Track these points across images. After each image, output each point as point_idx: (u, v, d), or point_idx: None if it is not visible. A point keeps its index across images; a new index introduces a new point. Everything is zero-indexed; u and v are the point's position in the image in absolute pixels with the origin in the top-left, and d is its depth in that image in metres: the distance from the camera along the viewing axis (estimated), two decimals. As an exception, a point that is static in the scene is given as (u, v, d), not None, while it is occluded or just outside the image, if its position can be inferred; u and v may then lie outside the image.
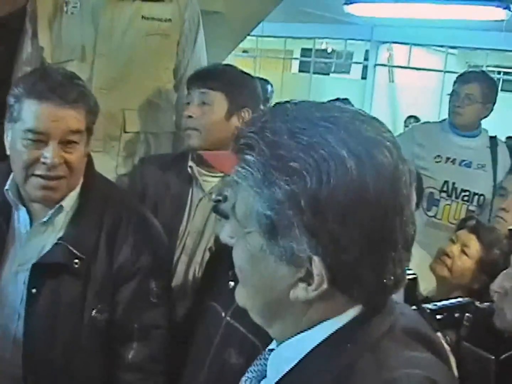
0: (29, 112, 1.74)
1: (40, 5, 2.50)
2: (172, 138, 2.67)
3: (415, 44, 10.15)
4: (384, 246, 0.92)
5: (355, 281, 0.92)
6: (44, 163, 1.73)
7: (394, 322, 0.98)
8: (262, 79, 5.27)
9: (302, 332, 0.98)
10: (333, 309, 0.96)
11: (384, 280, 0.93)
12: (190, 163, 2.33)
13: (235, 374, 1.53)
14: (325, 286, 0.91)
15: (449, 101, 3.56)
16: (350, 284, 0.93)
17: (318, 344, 0.95)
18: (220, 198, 1.78)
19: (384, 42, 10.53)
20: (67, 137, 1.75)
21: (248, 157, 0.93)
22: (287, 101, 0.99)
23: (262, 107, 2.44)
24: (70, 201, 1.85)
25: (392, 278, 0.94)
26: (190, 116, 2.27)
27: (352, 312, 0.96)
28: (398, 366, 0.92)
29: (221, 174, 2.25)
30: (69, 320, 1.83)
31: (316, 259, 0.90)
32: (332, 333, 0.95)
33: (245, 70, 2.45)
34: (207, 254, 2.21)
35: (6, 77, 2.51)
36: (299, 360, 0.96)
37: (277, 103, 1.00)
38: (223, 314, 1.72)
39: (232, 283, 1.70)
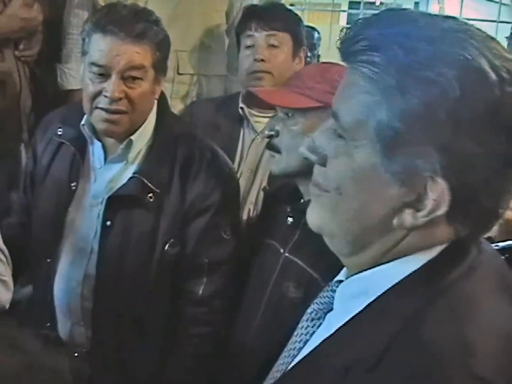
0: (94, 46, 1.76)
1: None
2: (224, 81, 2.65)
3: (467, -5, 9.89)
4: (510, 172, 0.84)
5: (472, 209, 0.84)
6: (105, 96, 1.75)
7: (479, 261, 0.89)
8: (309, 26, 5.19)
9: (379, 265, 0.90)
10: (427, 241, 0.87)
11: (500, 210, 0.86)
12: (241, 104, 2.32)
13: (294, 308, 1.56)
14: (439, 212, 0.83)
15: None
16: (465, 212, 0.85)
17: (396, 283, 0.87)
18: (273, 133, 1.76)
19: (435, -7, 10.31)
20: (129, 72, 1.75)
21: (376, 59, 0.83)
22: (403, 9, 0.92)
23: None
24: (141, 136, 1.85)
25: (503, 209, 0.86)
26: (261, 60, 2.24)
27: (438, 248, 0.87)
28: (473, 318, 0.82)
29: (272, 114, 2.23)
30: (141, 253, 1.85)
31: (439, 180, 0.82)
32: (415, 271, 0.87)
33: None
34: (261, 194, 2.22)
35: (57, 21, 2.54)
36: (374, 300, 0.88)
37: (388, 9, 0.94)
38: (281, 250, 1.72)
39: (290, 219, 1.71)
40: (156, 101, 1.88)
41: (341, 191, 0.88)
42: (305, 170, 1.69)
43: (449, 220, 0.85)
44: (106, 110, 1.77)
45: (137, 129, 1.84)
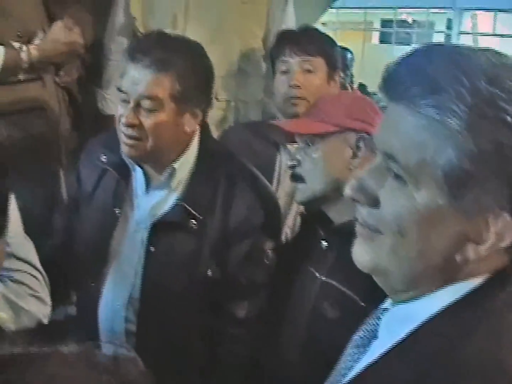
0: (123, 72, 1.81)
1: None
2: (261, 105, 2.69)
3: (499, 10, 9.87)
4: None
5: None
6: (122, 121, 1.80)
7: None
8: (341, 46, 5.21)
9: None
10: (480, 269, 0.88)
11: None
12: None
13: (333, 329, 1.58)
14: (503, 244, 0.84)
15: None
16: None
17: (441, 308, 0.88)
18: (294, 163, 1.79)
19: (467, 10, 10.28)
20: (143, 101, 1.78)
21: (438, 101, 0.83)
22: (450, 44, 0.95)
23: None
24: (184, 164, 1.89)
25: None
26: (296, 86, 2.28)
27: (487, 274, 0.88)
28: None
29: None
30: (184, 277, 1.88)
31: (504, 213, 0.83)
32: (462, 296, 0.87)
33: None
34: (298, 219, 2.24)
35: (97, 45, 2.60)
36: (420, 325, 0.88)
37: (435, 45, 0.93)
38: (317, 274, 1.75)
39: (325, 243, 1.75)
40: (198, 129, 1.92)
41: (402, 233, 0.88)
42: (330, 196, 1.75)
43: (507, 249, 0.86)
44: (124, 134, 1.81)
45: (179, 157, 1.88)
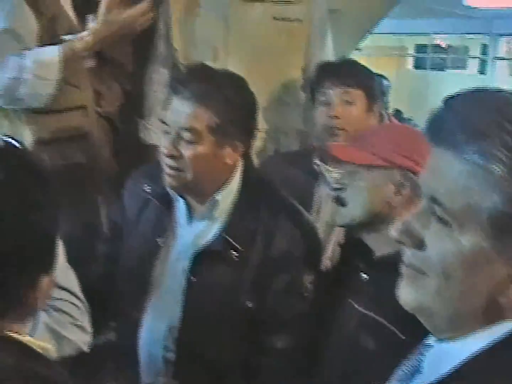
0: (165, 103, 1.90)
1: (173, 7, 2.60)
2: (300, 135, 2.72)
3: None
4: None
5: None
6: (163, 152, 1.85)
7: None
8: (377, 74, 5.24)
9: None
10: None
11: None
12: (316, 159, 2.37)
13: (373, 361, 1.59)
14: None
15: None
16: None
17: (485, 346, 0.89)
18: (339, 186, 1.81)
19: (503, 35, 10.23)
20: (182, 133, 1.82)
21: (484, 147, 0.85)
22: (487, 88, 0.96)
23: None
24: (226, 195, 1.92)
25: None
26: (336, 117, 2.31)
27: None
28: None
29: (349, 169, 2.29)
30: (224, 307, 1.89)
31: None
32: (504, 337, 0.88)
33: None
34: (337, 249, 2.25)
35: (138, 75, 2.65)
36: (462, 363, 0.89)
37: (475, 91, 0.94)
38: (356, 306, 1.75)
39: (364, 275, 1.76)
40: (241, 160, 1.95)
41: (447, 275, 0.89)
42: (370, 226, 1.76)
43: None
44: (166, 165, 1.86)
45: (221, 188, 1.91)
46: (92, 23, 2.20)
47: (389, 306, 1.59)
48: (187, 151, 1.82)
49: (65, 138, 2.25)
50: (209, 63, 2.44)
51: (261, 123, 2.54)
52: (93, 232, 2.32)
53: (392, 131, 1.88)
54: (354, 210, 1.76)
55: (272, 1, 2.56)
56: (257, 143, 2.56)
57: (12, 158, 1.27)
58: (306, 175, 2.40)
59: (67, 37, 2.17)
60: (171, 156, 1.83)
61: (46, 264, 1.29)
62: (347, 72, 2.36)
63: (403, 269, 0.95)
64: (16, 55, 2.08)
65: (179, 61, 2.59)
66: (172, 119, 1.84)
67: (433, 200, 0.90)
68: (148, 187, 2.00)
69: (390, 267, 0.99)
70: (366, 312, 1.72)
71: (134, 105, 2.65)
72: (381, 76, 5.58)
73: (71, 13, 2.31)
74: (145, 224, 2.00)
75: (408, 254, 0.94)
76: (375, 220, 1.75)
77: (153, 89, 2.64)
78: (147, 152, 2.65)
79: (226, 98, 1.84)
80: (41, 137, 2.21)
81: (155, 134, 2.62)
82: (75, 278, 1.75)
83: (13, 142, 1.86)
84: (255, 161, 2.56)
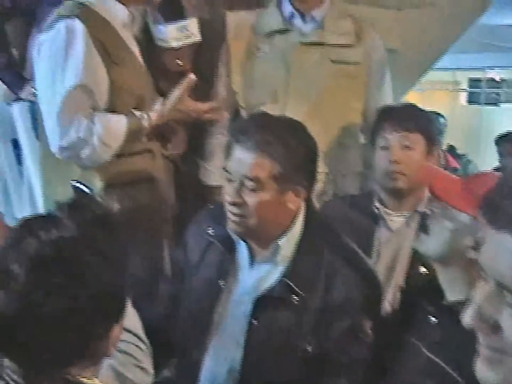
0: (228, 151, 1.92)
1: (233, 51, 2.67)
2: (359, 178, 2.73)
3: None
4: None
5: None
6: (227, 200, 1.90)
7: None
8: (434, 111, 5.24)
9: None
10: None
11: None
12: (376, 203, 2.40)
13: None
14: None
15: None
16: None
17: None
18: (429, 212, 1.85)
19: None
20: (245, 181, 1.86)
21: None
22: None
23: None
24: (288, 240, 1.94)
25: None
26: (396, 161, 2.33)
27: None
28: None
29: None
30: (284, 350, 1.91)
31: None
32: None
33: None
34: (398, 293, 2.25)
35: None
36: None
37: None
38: (423, 349, 1.74)
39: (433, 319, 1.75)
40: (303, 204, 1.98)
41: None
42: (447, 259, 1.75)
43: None
44: (229, 211, 1.90)
45: (284, 233, 1.94)
46: (160, 106, 2.29)
47: (456, 354, 1.61)
48: (250, 199, 1.86)
49: (132, 182, 2.31)
50: (269, 105, 2.53)
51: (321, 166, 2.56)
52: (156, 273, 2.37)
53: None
54: (435, 243, 1.75)
55: (331, 45, 2.60)
56: (317, 185, 2.59)
57: (84, 212, 1.32)
58: (366, 218, 2.41)
59: (136, 113, 2.26)
60: (235, 204, 1.87)
61: (118, 314, 1.33)
62: (406, 117, 2.37)
63: (481, 350, 0.94)
64: (86, 116, 2.16)
65: (239, 104, 2.64)
66: (235, 168, 1.88)
67: (500, 285, 0.89)
68: (211, 230, 2.04)
69: (462, 313, 0.98)
70: (432, 356, 1.72)
71: (195, 147, 2.70)
72: (438, 114, 5.57)
73: (140, 59, 2.41)
74: (208, 266, 2.04)
75: (486, 337, 0.92)
76: (452, 263, 1.74)
77: (214, 132, 2.69)
78: (208, 193, 2.70)
79: (288, 146, 1.87)
80: (109, 181, 2.27)
81: (215, 176, 2.68)
82: (139, 320, 1.79)
83: (83, 188, 1.93)
84: (315, 204, 2.58)
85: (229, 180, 1.90)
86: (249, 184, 1.85)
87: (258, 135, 1.86)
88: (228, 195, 1.89)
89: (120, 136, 2.21)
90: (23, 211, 3.82)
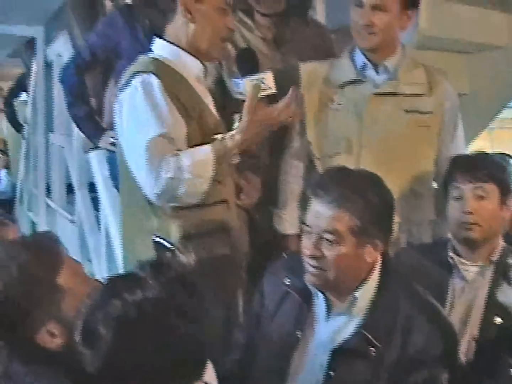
0: (307, 205, 1.96)
1: (307, 101, 2.70)
2: (433, 226, 2.72)
3: None
4: None
5: None
6: (304, 252, 1.94)
7: None
8: (504, 154, 5.17)
9: None
10: None
11: None
12: (451, 253, 2.39)
13: None
14: None
15: None
16: None
17: None
18: None
19: None
20: (324, 235, 1.90)
21: None
22: None
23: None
24: (365, 292, 1.96)
25: None
26: (469, 212, 2.32)
27: None
28: None
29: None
30: None
31: None
32: None
33: (480, 142, 2.47)
34: (472, 344, 2.23)
35: (273, 168, 2.76)
36: None
37: None
38: None
39: None
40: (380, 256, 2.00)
41: None
42: None
43: None
44: (307, 264, 1.94)
45: (360, 286, 1.96)
46: (239, 123, 2.31)
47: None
48: (329, 252, 1.90)
49: (208, 232, 2.35)
50: (343, 156, 2.56)
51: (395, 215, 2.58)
52: (230, 322, 2.40)
53: None
54: None
55: (404, 95, 2.61)
56: (391, 235, 2.59)
57: (167, 271, 1.36)
58: (439, 267, 2.39)
59: (218, 137, 2.30)
60: (314, 257, 1.91)
61: (200, 371, 1.36)
62: (479, 167, 2.36)
63: None
64: (172, 155, 2.20)
65: (313, 154, 2.68)
66: (313, 222, 1.92)
67: None
68: (288, 280, 2.07)
69: None
70: None
71: (269, 196, 2.74)
72: (509, 155, 5.47)
73: (214, 110, 2.45)
74: (284, 316, 2.06)
75: None
76: None
77: (288, 181, 2.73)
78: (281, 241, 2.73)
79: (366, 200, 1.90)
80: (186, 231, 2.31)
81: (289, 224, 2.71)
82: (213, 371, 1.81)
83: (165, 243, 1.99)
84: (390, 253, 2.59)
85: (308, 233, 1.93)
86: (328, 237, 1.89)
87: (336, 190, 1.90)
88: (306, 248, 1.92)
89: (209, 164, 2.24)
90: (100, 258, 3.94)
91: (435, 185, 2.72)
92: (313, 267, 1.92)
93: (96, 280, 1.84)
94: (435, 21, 3.29)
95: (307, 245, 1.93)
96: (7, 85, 8.68)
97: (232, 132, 2.30)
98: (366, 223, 1.90)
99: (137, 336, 1.27)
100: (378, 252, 1.96)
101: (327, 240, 1.89)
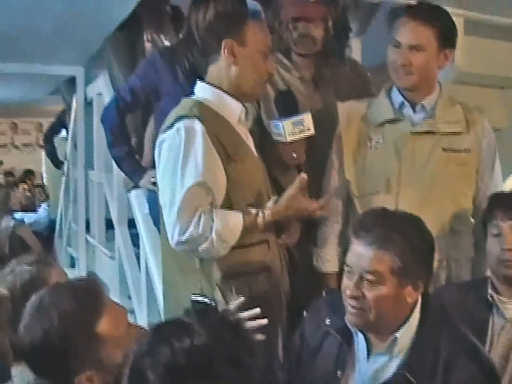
0: (349, 247, 1.99)
1: (345, 140, 2.74)
2: (472, 262, 2.72)
3: None
4: None
5: None
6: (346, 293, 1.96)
7: None
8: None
9: None
10: None
11: None
12: (490, 291, 2.39)
13: None
14: None
15: None
16: None
17: None
18: None
19: None
20: (365, 275, 1.92)
21: None
22: None
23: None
24: (406, 333, 1.97)
25: None
26: (510, 250, 2.33)
27: None
28: None
29: None
30: None
31: None
32: None
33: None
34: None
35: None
36: None
37: None
38: None
39: None
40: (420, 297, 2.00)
41: None
42: None
43: None
44: (349, 304, 1.96)
45: (401, 326, 1.97)
46: (274, 204, 2.40)
47: None
48: (370, 293, 1.92)
49: (249, 271, 2.39)
50: (382, 195, 2.57)
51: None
52: (270, 360, 2.40)
53: None
54: None
55: (441, 133, 2.62)
56: (431, 273, 2.59)
57: (213, 318, 1.39)
58: (479, 306, 2.40)
59: (252, 210, 2.37)
60: (355, 297, 1.93)
61: None
62: None
63: None
64: (206, 212, 2.28)
65: (352, 193, 2.70)
66: (354, 262, 1.95)
67: None
68: (328, 320, 2.09)
69: None
70: None
71: (309, 235, 2.76)
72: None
73: (255, 151, 2.52)
74: (325, 355, 2.08)
75: None
76: None
77: (327, 219, 2.74)
78: (322, 280, 2.74)
79: (407, 241, 1.92)
80: (228, 271, 2.36)
81: (328, 262, 2.73)
82: None
83: (204, 300, 2.02)
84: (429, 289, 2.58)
85: (349, 274, 1.96)
86: (369, 277, 1.91)
87: (377, 231, 1.92)
88: (347, 288, 1.94)
89: (236, 233, 2.31)
90: (140, 295, 3.97)
91: (472, 220, 2.72)
92: (354, 307, 1.94)
93: (139, 326, 1.87)
94: (470, 57, 3.31)
95: (348, 286, 1.95)
96: (47, 122, 8.88)
97: (265, 210, 2.38)
98: (407, 264, 1.91)
99: (185, 383, 1.29)
100: (418, 292, 1.98)
101: (368, 280, 1.91)
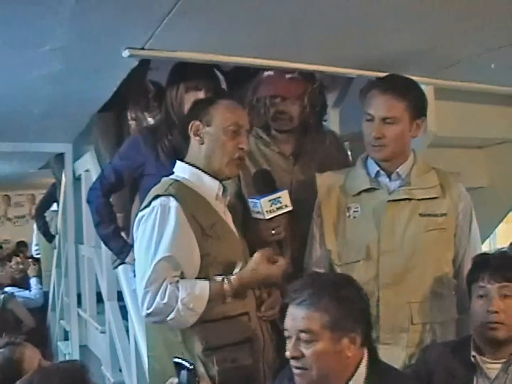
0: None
1: (325, 211, 2.81)
2: (456, 323, 2.76)
3: None
4: None
5: None
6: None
7: None
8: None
9: None
10: None
11: None
12: (473, 352, 2.43)
13: None
14: None
15: None
16: None
17: None
18: None
19: None
20: (300, 335, 2.02)
21: None
22: None
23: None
24: None
25: None
26: (495, 312, 2.37)
27: None
28: None
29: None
30: None
31: None
32: None
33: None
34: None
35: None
36: None
37: None
38: None
39: None
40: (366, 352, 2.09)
41: None
42: None
43: None
44: (293, 366, 2.05)
45: (348, 381, 2.05)
46: (239, 270, 2.47)
47: None
48: (307, 351, 2.01)
49: (231, 343, 2.45)
50: (363, 262, 2.64)
51: (417, 317, 2.63)
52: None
53: None
54: None
55: (418, 199, 2.69)
56: (414, 336, 2.64)
57: None
58: (463, 367, 2.43)
59: (218, 278, 2.44)
60: (294, 357, 2.02)
61: None
62: (504, 267, 2.41)
63: None
64: (171, 283, 2.37)
65: (334, 263, 2.75)
66: (290, 324, 2.06)
67: None
68: None
69: None
70: None
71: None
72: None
73: (233, 226, 2.61)
74: None
75: None
76: None
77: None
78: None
79: (335, 298, 2.03)
80: (209, 343, 2.42)
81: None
82: None
83: (185, 364, 2.07)
84: (413, 350, 2.62)
85: (288, 337, 2.05)
86: (304, 336, 2.01)
87: (307, 292, 2.04)
88: (288, 350, 2.04)
89: (203, 300, 2.38)
90: (130, 368, 3.98)
91: (455, 283, 2.76)
92: (297, 368, 2.04)
93: None
94: (445, 122, 3.38)
95: (288, 348, 2.04)
96: (39, 193, 8.95)
97: (231, 277, 2.44)
98: (337, 318, 2.01)
99: None
100: (356, 346, 2.05)
101: (303, 339, 2.01)
